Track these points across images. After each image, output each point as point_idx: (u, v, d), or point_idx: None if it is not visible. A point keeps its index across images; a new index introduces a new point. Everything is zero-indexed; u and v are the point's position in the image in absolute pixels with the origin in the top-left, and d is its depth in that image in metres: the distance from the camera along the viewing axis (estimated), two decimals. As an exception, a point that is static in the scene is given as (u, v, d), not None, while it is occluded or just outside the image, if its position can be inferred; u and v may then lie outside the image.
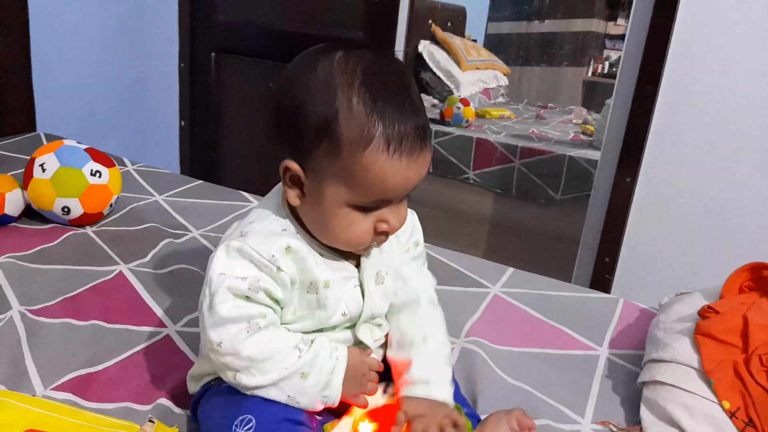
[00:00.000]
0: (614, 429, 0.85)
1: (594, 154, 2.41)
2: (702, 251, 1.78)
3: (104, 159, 1.38)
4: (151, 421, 0.72)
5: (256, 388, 0.70)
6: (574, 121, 3.80)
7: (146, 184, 1.65)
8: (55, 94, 2.04)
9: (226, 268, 0.70)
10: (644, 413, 0.86)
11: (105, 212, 1.38)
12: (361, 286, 0.78)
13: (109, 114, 2.30)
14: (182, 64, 2.47)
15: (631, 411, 0.90)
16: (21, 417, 0.71)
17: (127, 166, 1.75)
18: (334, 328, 0.77)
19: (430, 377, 0.77)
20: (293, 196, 0.72)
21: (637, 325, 1.13)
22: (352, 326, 0.79)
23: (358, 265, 0.78)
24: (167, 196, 1.59)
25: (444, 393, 0.77)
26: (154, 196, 1.58)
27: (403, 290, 0.84)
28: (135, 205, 1.50)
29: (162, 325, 1.02)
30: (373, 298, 0.78)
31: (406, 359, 0.79)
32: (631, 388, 0.94)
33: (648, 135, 1.78)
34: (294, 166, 0.69)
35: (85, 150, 1.37)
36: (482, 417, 0.81)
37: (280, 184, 0.77)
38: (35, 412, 0.73)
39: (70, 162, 1.32)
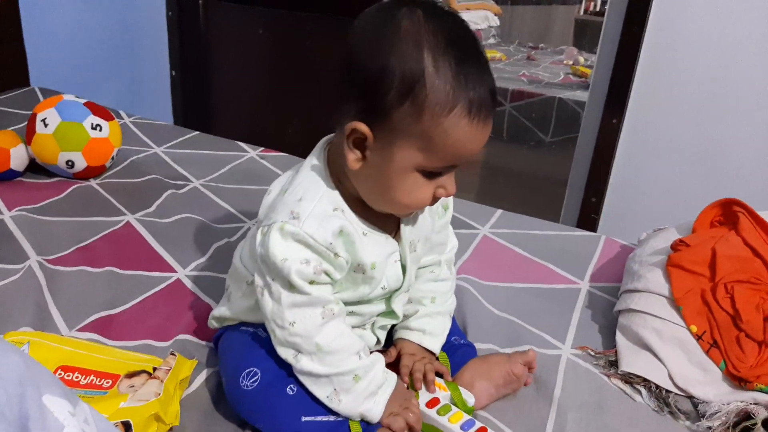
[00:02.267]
0: (591, 353, 0.94)
1: (584, 96, 2.45)
2: (684, 189, 1.85)
3: (103, 112, 1.42)
4: (173, 354, 0.79)
5: (310, 374, 0.71)
6: (565, 62, 3.80)
7: (144, 137, 1.69)
8: (44, 47, 2.04)
9: (288, 253, 0.69)
10: (619, 338, 0.94)
11: (107, 165, 1.43)
12: (401, 260, 0.79)
13: (100, 66, 2.30)
14: (170, 13, 2.45)
15: (607, 337, 0.98)
16: (53, 355, 0.79)
17: (123, 119, 1.78)
18: (371, 300, 0.80)
19: (426, 328, 0.84)
20: (353, 159, 0.69)
21: (617, 260, 1.20)
22: (387, 298, 0.81)
23: (395, 235, 0.79)
24: (166, 148, 1.63)
25: (434, 343, 0.83)
26: (152, 148, 1.62)
27: (430, 255, 0.86)
28: (135, 157, 1.54)
29: (172, 270, 1.08)
30: (410, 270, 0.80)
31: (413, 311, 0.86)
32: (608, 317, 1.02)
33: (634, 77, 1.82)
34: (363, 127, 0.67)
35: (85, 104, 1.40)
36: (475, 345, 0.89)
37: (319, 145, 0.77)
38: (65, 350, 0.80)
39: (71, 116, 1.35)
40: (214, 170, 1.50)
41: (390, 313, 0.83)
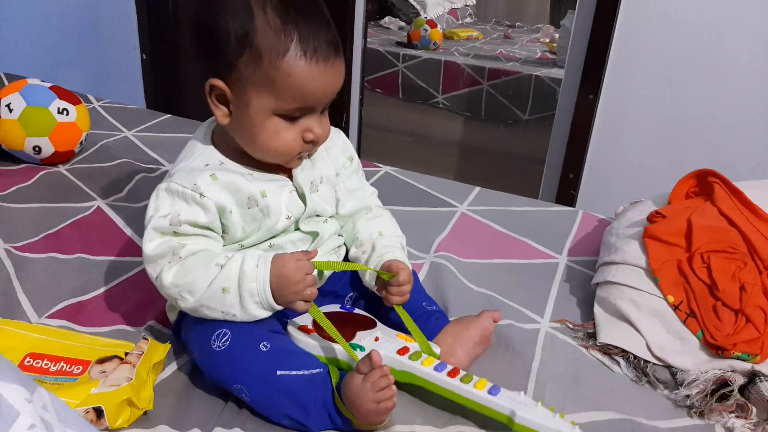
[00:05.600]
0: (570, 326, 0.94)
1: (559, 73, 2.44)
2: (660, 163, 1.86)
3: (70, 96, 1.38)
4: (145, 338, 0.77)
5: (194, 310, 0.75)
6: (541, 40, 3.79)
7: (114, 120, 1.65)
8: (8, 31, 1.98)
9: (154, 210, 0.75)
10: (597, 310, 0.94)
11: (76, 150, 1.39)
12: (297, 191, 0.82)
13: (67, 51, 2.24)
14: (139, -6, 2.39)
15: (585, 310, 0.98)
16: (21, 342, 0.77)
17: (92, 103, 1.74)
18: (285, 232, 0.83)
19: (392, 248, 0.87)
20: (221, 115, 0.75)
21: (595, 233, 1.20)
22: (298, 228, 0.84)
23: (289, 177, 0.83)
24: (136, 132, 1.59)
25: (404, 257, 0.87)
26: (123, 131, 1.59)
27: (350, 201, 0.91)
28: (105, 141, 1.51)
29: (145, 255, 1.06)
30: (313, 198, 0.84)
31: (369, 249, 0.88)
32: (586, 290, 1.02)
33: (609, 52, 1.81)
34: (219, 83, 0.73)
35: (50, 88, 1.36)
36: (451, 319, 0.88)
37: (211, 118, 0.81)
38: (33, 337, 0.78)
39: (36, 101, 1.32)
40: (187, 153, 1.47)
41: (311, 234, 0.84)
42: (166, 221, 0.74)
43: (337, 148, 0.90)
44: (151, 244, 0.75)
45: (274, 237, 0.82)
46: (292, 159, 0.79)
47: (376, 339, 0.78)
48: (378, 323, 0.82)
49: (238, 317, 0.74)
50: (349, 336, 0.78)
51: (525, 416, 0.68)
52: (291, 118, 0.74)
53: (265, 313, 0.75)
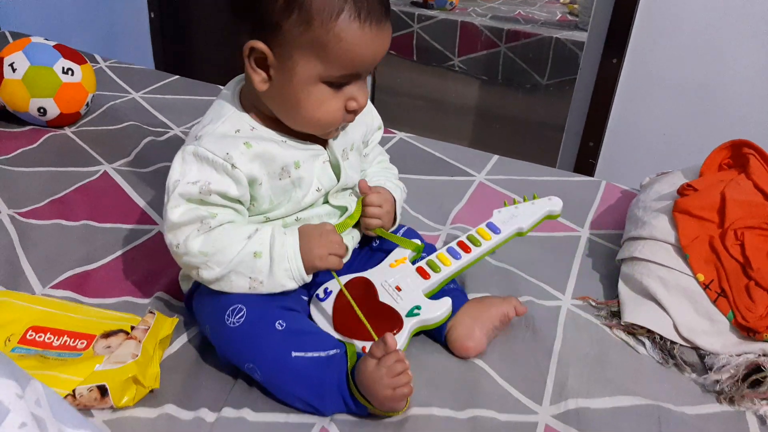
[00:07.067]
0: (593, 304, 0.90)
1: (581, 36, 2.35)
2: (685, 132, 1.79)
3: (75, 56, 1.33)
4: (151, 312, 0.75)
5: (216, 280, 0.71)
6: (561, 1, 3.66)
7: (121, 82, 1.60)
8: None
9: (180, 175, 0.71)
10: (621, 288, 0.90)
11: (82, 112, 1.35)
12: (330, 161, 0.80)
13: (74, 8, 2.18)
14: (147, -50, 2.31)
15: (609, 287, 0.94)
16: (23, 315, 0.74)
17: (99, 63, 1.69)
18: (313, 205, 0.79)
19: (380, 178, 0.90)
20: (259, 81, 0.70)
21: (618, 206, 1.15)
22: (327, 201, 0.82)
23: (323, 145, 0.79)
24: (144, 93, 1.54)
25: (394, 189, 0.89)
26: (130, 93, 1.54)
27: (373, 165, 0.93)
28: (112, 103, 1.46)
29: (152, 222, 1.03)
30: (346, 170, 0.81)
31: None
32: (610, 265, 0.98)
33: (636, 13, 1.73)
34: (260, 45, 0.68)
35: (54, 47, 1.31)
36: (470, 297, 0.85)
37: (236, 78, 0.77)
38: (37, 310, 0.75)
39: (40, 60, 1.27)
40: (195, 116, 1.42)
41: (340, 208, 0.82)
42: (195, 189, 0.70)
43: (368, 116, 0.87)
44: (176, 210, 0.70)
45: (301, 211, 0.78)
46: (333, 130, 0.75)
47: (398, 289, 0.78)
48: (368, 274, 0.81)
49: (265, 285, 0.71)
50: (386, 311, 0.75)
51: (525, 224, 0.87)
52: (337, 85, 0.70)
53: (291, 284, 0.72)
